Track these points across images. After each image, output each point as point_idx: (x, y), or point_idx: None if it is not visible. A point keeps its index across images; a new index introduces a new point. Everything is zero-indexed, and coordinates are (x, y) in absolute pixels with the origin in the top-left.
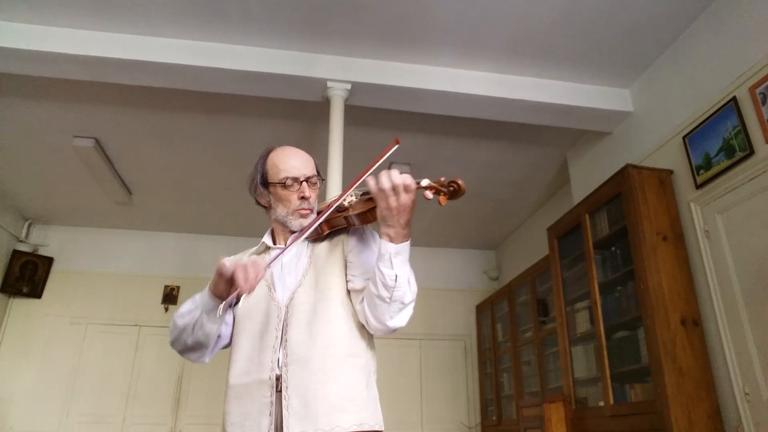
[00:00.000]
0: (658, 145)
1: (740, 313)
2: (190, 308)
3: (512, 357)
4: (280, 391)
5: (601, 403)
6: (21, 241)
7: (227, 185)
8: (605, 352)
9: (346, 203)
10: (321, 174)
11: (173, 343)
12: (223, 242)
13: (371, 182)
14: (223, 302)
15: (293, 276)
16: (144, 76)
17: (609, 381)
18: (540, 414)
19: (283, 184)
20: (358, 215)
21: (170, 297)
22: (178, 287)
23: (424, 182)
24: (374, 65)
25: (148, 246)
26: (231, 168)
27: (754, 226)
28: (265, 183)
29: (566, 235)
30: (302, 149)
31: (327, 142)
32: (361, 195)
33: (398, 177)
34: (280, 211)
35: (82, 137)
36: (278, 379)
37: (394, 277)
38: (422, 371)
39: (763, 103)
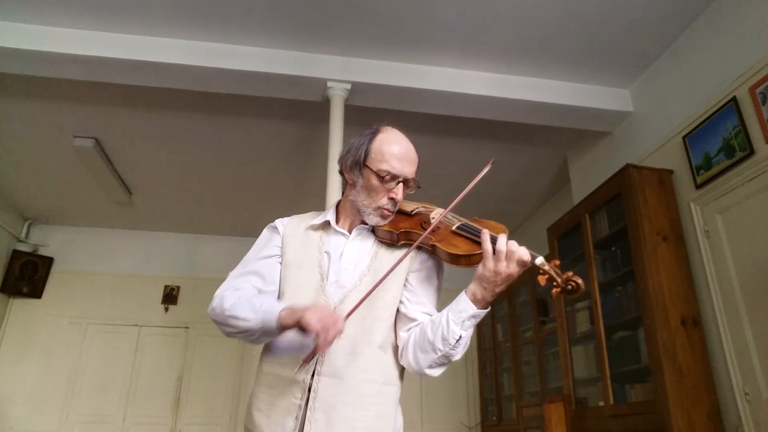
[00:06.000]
0: (658, 145)
1: (740, 313)
2: (247, 316)
3: (512, 357)
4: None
5: (601, 403)
6: (21, 241)
7: (227, 185)
8: (605, 352)
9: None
10: (418, 181)
11: (213, 320)
12: (223, 242)
13: (485, 238)
14: (303, 362)
15: (350, 274)
16: (144, 76)
17: (609, 381)
18: (540, 414)
19: (381, 177)
20: (449, 255)
21: (170, 297)
22: (178, 287)
23: (539, 260)
24: (374, 65)
25: (148, 246)
26: (231, 168)
27: (754, 226)
28: (362, 163)
29: (566, 235)
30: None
31: (327, 142)
32: (456, 228)
33: (516, 246)
34: (362, 198)
35: (82, 137)
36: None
37: (458, 338)
38: None
39: (763, 103)
